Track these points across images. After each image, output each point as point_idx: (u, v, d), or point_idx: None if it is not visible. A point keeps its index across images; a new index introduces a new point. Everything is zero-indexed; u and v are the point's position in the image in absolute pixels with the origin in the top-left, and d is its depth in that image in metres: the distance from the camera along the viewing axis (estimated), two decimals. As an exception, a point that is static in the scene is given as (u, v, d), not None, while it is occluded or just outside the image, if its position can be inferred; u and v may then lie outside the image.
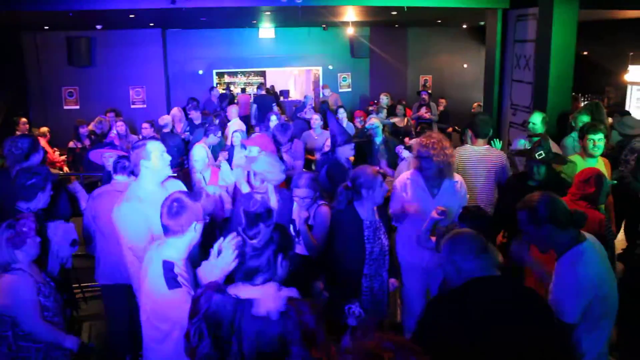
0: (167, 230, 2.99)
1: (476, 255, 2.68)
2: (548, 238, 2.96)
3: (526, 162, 4.71)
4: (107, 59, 13.99)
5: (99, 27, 12.97)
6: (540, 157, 4.52)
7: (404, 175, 4.58)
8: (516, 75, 7.85)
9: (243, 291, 2.57)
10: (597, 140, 5.08)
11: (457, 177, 4.55)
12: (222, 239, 2.84)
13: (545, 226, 2.92)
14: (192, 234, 3.00)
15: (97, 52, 13.97)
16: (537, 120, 5.97)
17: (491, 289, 2.64)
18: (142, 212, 3.60)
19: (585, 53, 13.91)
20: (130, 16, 10.28)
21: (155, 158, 3.80)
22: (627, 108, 13.02)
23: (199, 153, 5.83)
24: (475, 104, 11.72)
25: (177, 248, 2.99)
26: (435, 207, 4.10)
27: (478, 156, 5.25)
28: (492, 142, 5.72)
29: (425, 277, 4.51)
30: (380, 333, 1.66)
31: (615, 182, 5.04)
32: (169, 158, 3.90)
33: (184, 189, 3.99)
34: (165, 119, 9.22)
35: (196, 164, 5.80)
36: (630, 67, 13.40)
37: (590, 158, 5.13)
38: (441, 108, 12.94)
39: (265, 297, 2.53)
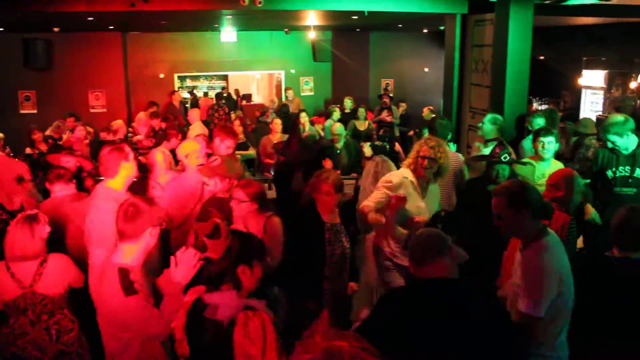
0: (122, 236, 2.95)
1: (437, 256, 2.71)
2: (521, 225, 3.00)
3: (488, 164, 4.78)
4: (66, 61, 13.67)
5: (56, 29, 12.72)
6: (506, 159, 4.63)
7: (400, 173, 4.60)
8: (474, 79, 7.99)
9: (205, 294, 2.60)
10: (547, 143, 5.20)
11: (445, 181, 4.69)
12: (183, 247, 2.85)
13: (523, 211, 2.97)
14: (149, 239, 2.97)
15: (56, 54, 13.67)
16: (487, 122, 6.08)
17: (444, 290, 2.67)
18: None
19: (541, 58, 14.24)
20: (89, 19, 10.11)
21: (132, 160, 3.90)
22: (581, 111, 13.43)
23: (157, 158, 5.76)
24: (426, 108, 11.88)
25: (133, 254, 2.95)
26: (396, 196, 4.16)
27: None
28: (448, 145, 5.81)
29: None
30: (334, 332, 1.68)
31: (589, 180, 5.16)
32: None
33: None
34: (115, 125, 9.16)
35: (154, 170, 5.73)
36: (584, 72, 13.79)
37: (541, 160, 5.25)
38: (402, 111, 13.09)
39: (223, 303, 2.55)
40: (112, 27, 13.23)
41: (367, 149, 6.15)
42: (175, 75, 15.89)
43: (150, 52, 15.04)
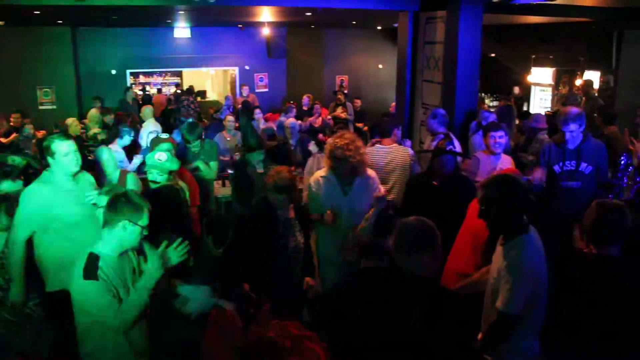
0: (104, 221, 3.04)
1: (409, 250, 2.71)
2: (507, 219, 3.01)
3: (433, 157, 4.85)
4: (12, 57, 13.25)
5: (1, 22, 12.30)
6: (451, 150, 4.71)
7: (318, 174, 4.65)
8: (426, 75, 8.08)
9: (185, 288, 2.60)
10: (498, 138, 5.32)
11: (370, 173, 4.66)
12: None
13: (508, 205, 2.97)
14: (121, 232, 2.99)
15: (2, 49, 13.25)
16: (433, 117, 6.16)
17: (401, 285, 2.68)
18: (46, 196, 3.88)
19: (492, 55, 14.53)
20: (36, 12, 9.83)
21: (60, 157, 3.92)
22: (531, 107, 13.76)
23: (105, 155, 5.65)
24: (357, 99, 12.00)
25: (107, 242, 3.01)
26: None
27: (386, 155, 5.39)
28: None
29: (345, 271, 4.58)
30: (278, 322, 1.69)
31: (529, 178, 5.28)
32: (76, 157, 3.99)
33: (93, 181, 4.26)
34: (66, 122, 8.98)
35: (102, 167, 5.62)
36: (533, 69, 14.15)
37: (492, 155, 5.37)
38: (357, 108, 13.16)
39: (195, 296, 2.56)
40: (60, 22, 12.89)
41: (312, 146, 6.18)
42: (128, 72, 15.60)
43: (101, 47, 14.69)
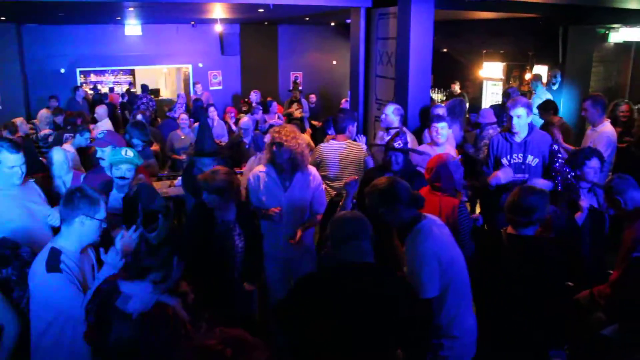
0: (61, 218, 3.05)
1: (349, 240, 2.77)
2: (395, 218, 3.20)
3: (385, 152, 4.90)
4: (-47, 55, 12.81)
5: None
6: (400, 146, 4.74)
7: (257, 169, 4.63)
8: (379, 71, 8.13)
9: (126, 285, 2.55)
10: (440, 129, 5.45)
11: (311, 170, 4.63)
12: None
13: (393, 206, 3.15)
14: (80, 227, 3.01)
15: (-58, 47, 12.78)
16: (389, 111, 6.21)
17: (354, 275, 2.73)
18: None
19: (444, 50, 14.73)
20: (-23, 9, 9.51)
21: (5, 168, 3.81)
22: (483, 101, 14.01)
23: (57, 157, 5.50)
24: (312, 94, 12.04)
25: (67, 238, 3.03)
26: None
27: (340, 151, 5.41)
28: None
29: (287, 267, 4.58)
30: (222, 328, 1.66)
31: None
32: (21, 171, 3.88)
33: (37, 189, 4.18)
34: (15, 122, 8.69)
35: (55, 169, 5.47)
36: (485, 64, 14.40)
37: (435, 146, 5.46)
38: (312, 104, 13.18)
39: (136, 294, 2.51)
40: (4, 18, 12.48)
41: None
42: (78, 70, 15.24)
43: (49, 45, 14.31)
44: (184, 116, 8.88)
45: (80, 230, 3.03)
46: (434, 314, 3.06)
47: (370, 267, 2.78)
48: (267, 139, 6.07)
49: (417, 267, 3.03)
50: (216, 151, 5.04)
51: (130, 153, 4.54)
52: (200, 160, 4.93)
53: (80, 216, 2.99)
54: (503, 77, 14.10)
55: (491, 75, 14.39)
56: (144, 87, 15.20)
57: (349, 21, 8.99)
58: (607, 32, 11.60)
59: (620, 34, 11.56)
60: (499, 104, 9.24)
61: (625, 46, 11.93)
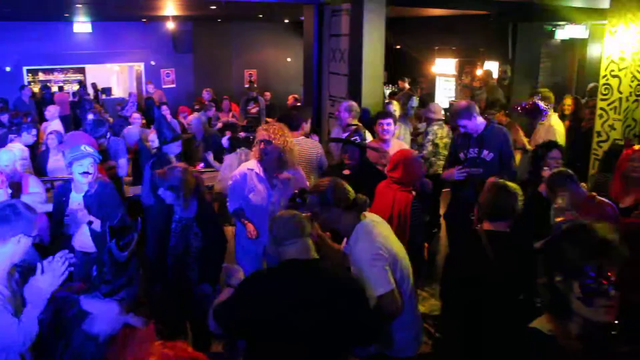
0: None
1: (294, 238, 2.77)
2: (335, 220, 3.22)
3: (342, 147, 4.93)
4: None
5: None
6: (357, 141, 4.77)
7: (245, 165, 4.58)
8: (333, 67, 8.17)
9: (89, 303, 2.43)
10: (386, 125, 5.45)
11: (298, 168, 4.64)
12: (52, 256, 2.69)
13: (332, 209, 3.17)
14: (14, 246, 2.72)
15: None
16: (343, 109, 6.23)
17: (298, 272, 2.73)
18: None
19: (398, 47, 14.87)
20: None
21: None
22: (436, 97, 14.19)
23: (5, 157, 5.31)
24: (291, 96, 12.02)
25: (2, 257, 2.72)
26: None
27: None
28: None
29: (260, 262, 4.56)
30: (162, 342, 1.63)
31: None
32: None
33: None
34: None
35: (4, 170, 5.27)
36: (437, 60, 14.59)
37: (382, 142, 5.48)
38: (267, 101, 13.13)
39: (103, 316, 2.40)
40: (-55, 16, 12.09)
41: (224, 141, 6.12)
42: (25, 69, 14.82)
43: (-7, 43, 13.90)
44: (136, 115, 8.73)
45: (14, 250, 2.74)
46: (393, 306, 3.04)
47: (313, 263, 2.80)
48: (224, 140, 6.06)
49: (364, 267, 3.03)
50: (179, 135, 5.02)
51: (89, 148, 4.42)
52: (167, 147, 4.87)
53: (19, 234, 2.72)
54: (455, 73, 14.30)
55: (444, 71, 14.58)
56: (94, 86, 14.92)
57: (302, 18, 8.99)
58: (553, 29, 11.93)
59: (566, 31, 11.90)
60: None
61: (571, 43, 12.28)
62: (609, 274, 1.90)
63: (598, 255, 1.92)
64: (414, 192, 4.22)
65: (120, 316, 2.45)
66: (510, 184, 3.48)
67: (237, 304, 2.72)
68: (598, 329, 1.97)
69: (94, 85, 15.85)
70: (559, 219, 3.75)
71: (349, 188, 3.25)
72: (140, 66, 16.20)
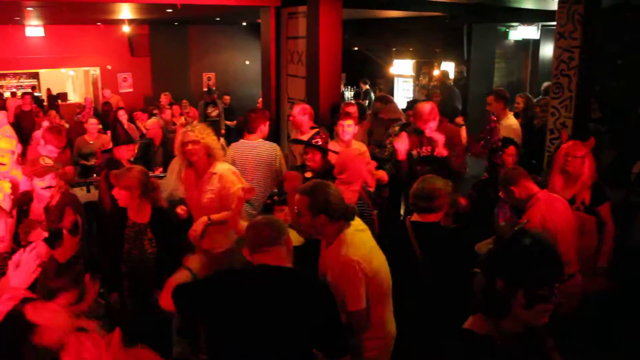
0: None
1: (269, 246, 2.72)
2: (319, 226, 3.06)
3: (304, 150, 4.94)
4: None
5: None
6: (317, 143, 4.79)
7: (175, 162, 4.68)
8: (291, 70, 8.18)
9: (35, 311, 2.34)
10: (346, 126, 5.50)
11: (224, 167, 4.58)
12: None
13: (321, 215, 3.01)
14: None
15: None
16: (295, 112, 6.25)
17: (271, 278, 2.69)
18: None
19: (356, 49, 14.98)
20: None
21: None
22: (395, 98, 14.33)
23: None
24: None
25: None
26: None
27: (252, 150, 5.40)
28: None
29: (214, 262, 4.53)
30: (125, 349, 1.60)
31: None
32: None
33: None
34: None
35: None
36: (395, 61, 14.75)
37: (343, 143, 5.53)
38: (226, 105, 13.08)
39: (54, 324, 2.31)
40: None
41: None
42: (-26, 73, 14.44)
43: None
44: (92, 121, 8.57)
45: None
46: (362, 324, 3.02)
47: (287, 271, 2.74)
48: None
49: (340, 280, 2.94)
50: (129, 139, 5.06)
51: (47, 160, 4.36)
52: (118, 151, 4.93)
53: None
54: (413, 74, 14.49)
55: (402, 72, 14.76)
56: (48, 91, 14.60)
57: (259, 21, 8.98)
58: (507, 30, 12.20)
59: (519, 32, 12.19)
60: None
61: (524, 43, 12.58)
62: (555, 283, 1.95)
63: (546, 266, 1.95)
64: (362, 192, 4.25)
65: (71, 322, 2.37)
66: (438, 177, 3.60)
67: (202, 295, 2.68)
68: (533, 328, 2.02)
69: (47, 91, 15.50)
70: (502, 222, 3.86)
71: (342, 196, 3.12)
72: (96, 70, 15.90)
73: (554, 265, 1.97)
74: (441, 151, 5.17)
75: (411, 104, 7.93)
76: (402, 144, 5.18)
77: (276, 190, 3.97)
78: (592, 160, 4.45)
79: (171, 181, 5.36)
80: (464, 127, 7.61)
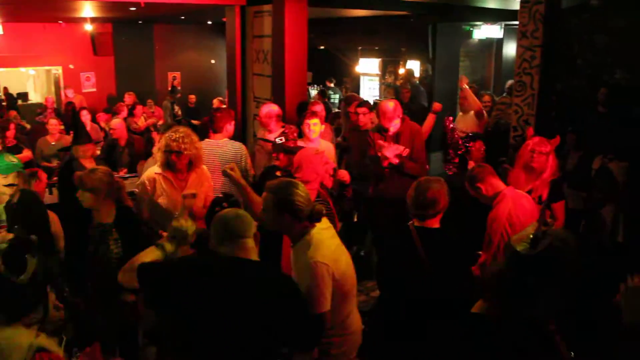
0: None
1: (235, 239, 2.72)
2: (283, 225, 3.05)
3: (272, 149, 4.94)
4: None
5: None
6: (282, 141, 4.78)
7: (152, 170, 4.53)
8: (256, 69, 8.15)
9: None
10: (312, 125, 5.52)
11: (204, 169, 4.65)
12: None
13: (285, 214, 3.00)
14: None
15: None
16: (261, 114, 6.24)
17: (235, 270, 2.68)
18: None
19: (322, 47, 15.01)
20: None
21: None
22: (361, 96, 14.41)
23: None
24: (215, 99, 11.92)
25: None
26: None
27: (217, 149, 5.37)
28: None
29: None
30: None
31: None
32: None
33: None
34: None
35: None
36: (361, 60, 14.83)
37: (309, 141, 5.55)
38: (192, 104, 12.99)
39: (11, 345, 2.23)
40: None
41: (155, 148, 6.01)
42: None
43: None
44: (53, 121, 8.42)
45: None
46: (326, 325, 3.00)
47: (252, 263, 2.75)
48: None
49: (304, 282, 2.92)
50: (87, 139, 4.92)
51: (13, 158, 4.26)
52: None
53: None
54: (379, 72, 14.59)
55: (368, 70, 14.85)
56: (5, 90, 14.25)
57: (225, 20, 8.93)
58: (471, 29, 12.35)
59: (483, 31, 12.36)
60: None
61: (488, 42, 12.75)
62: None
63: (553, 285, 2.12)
64: (321, 190, 4.26)
65: (32, 342, 2.28)
66: (435, 178, 3.59)
67: (168, 281, 2.66)
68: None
69: (4, 90, 15.11)
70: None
71: (309, 197, 3.10)
72: (58, 70, 15.58)
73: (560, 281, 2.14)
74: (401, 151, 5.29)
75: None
76: (389, 151, 5.26)
77: (223, 195, 3.89)
78: (555, 158, 4.54)
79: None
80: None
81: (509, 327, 2.13)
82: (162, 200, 4.42)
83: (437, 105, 6.46)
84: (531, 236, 2.18)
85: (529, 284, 2.12)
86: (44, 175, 5.06)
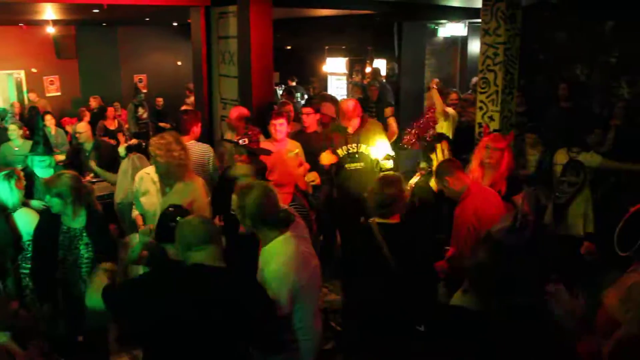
0: None
1: (203, 244, 2.72)
2: (253, 228, 3.09)
3: (235, 150, 4.92)
4: None
5: None
6: (244, 143, 4.77)
7: (144, 171, 4.66)
8: (223, 70, 8.11)
9: None
10: (278, 125, 5.55)
11: (194, 180, 4.48)
12: None
13: (258, 223, 3.03)
14: None
15: None
16: (231, 117, 6.24)
17: (203, 276, 2.69)
18: None
19: (289, 48, 15.02)
20: None
21: None
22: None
23: None
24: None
25: None
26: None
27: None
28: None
29: None
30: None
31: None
32: None
33: None
34: None
35: None
36: (328, 59, 14.88)
37: (276, 142, 5.57)
38: (159, 107, 12.88)
39: None
40: None
41: (121, 149, 5.98)
42: None
43: None
44: (12, 127, 8.23)
45: None
46: (291, 327, 3.04)
47: (219, 270, 2.75)
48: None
49: (271, 286, 2.93)
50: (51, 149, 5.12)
51: None
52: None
53: None
54: (346, 72, 14.64)
55: (335, 70, 14.89)
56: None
57: (190, 21, 8.87)
58: (436, 27, 12.49)
59: (448, 29, 12.51)
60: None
61: (453, 40, 12.90)
62: None
63: None
64: (297, 193, 4.28)
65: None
66: (391, 176, 3.64)
67: (133, 296, 2.67)
68: None
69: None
70: None
71: (277, 203, 3.12)
72: (20, 74, 15.28)
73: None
74: None
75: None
76: (327, 159, 5.33)
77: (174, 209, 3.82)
78: (511, 153, 4.66)
79: (125, 183, 5.32)
80: (393, 118, 7.83)
81: (492, 317, 2.18)
82: (144, 200, 4.53)
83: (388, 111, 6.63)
84: (512, 224, 2.25)
85: (512, 273, 2.18)
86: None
